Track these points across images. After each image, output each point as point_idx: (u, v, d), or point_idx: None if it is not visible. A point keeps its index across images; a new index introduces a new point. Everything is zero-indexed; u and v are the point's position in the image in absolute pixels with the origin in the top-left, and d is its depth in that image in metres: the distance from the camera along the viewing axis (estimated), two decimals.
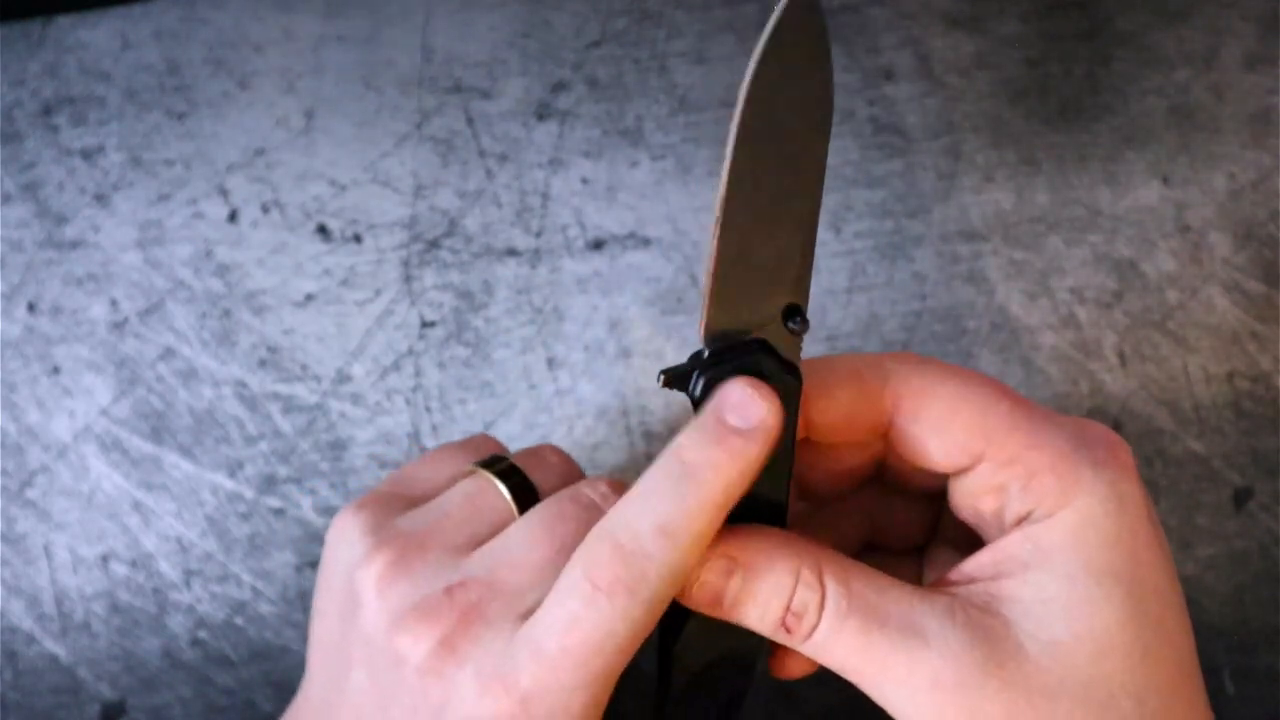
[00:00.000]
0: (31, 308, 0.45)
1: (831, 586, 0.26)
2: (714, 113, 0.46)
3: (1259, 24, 0.47)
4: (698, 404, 0.26)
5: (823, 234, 0.46)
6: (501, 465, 0.31)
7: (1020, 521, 0.26)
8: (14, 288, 0.46)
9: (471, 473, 0.31)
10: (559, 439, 0.45)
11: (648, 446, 0.45)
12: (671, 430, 0.45)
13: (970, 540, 0.30)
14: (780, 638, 0.27)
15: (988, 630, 0.25)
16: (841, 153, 0.46)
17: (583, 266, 0.46)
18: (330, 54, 0.47)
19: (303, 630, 0.45)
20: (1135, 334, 0.45)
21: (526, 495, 0.30)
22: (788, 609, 0.26)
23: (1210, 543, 0.45)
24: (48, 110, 0.47)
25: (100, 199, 0.46)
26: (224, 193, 0.46)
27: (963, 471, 0.27)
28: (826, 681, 0.45)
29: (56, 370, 0.45)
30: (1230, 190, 0.46)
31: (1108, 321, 0.45)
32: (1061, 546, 0.25)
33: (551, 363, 0.45)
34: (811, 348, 0.45)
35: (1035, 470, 0.26)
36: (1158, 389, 0.45)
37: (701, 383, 0.26)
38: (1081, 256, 0.46)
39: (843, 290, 0.45)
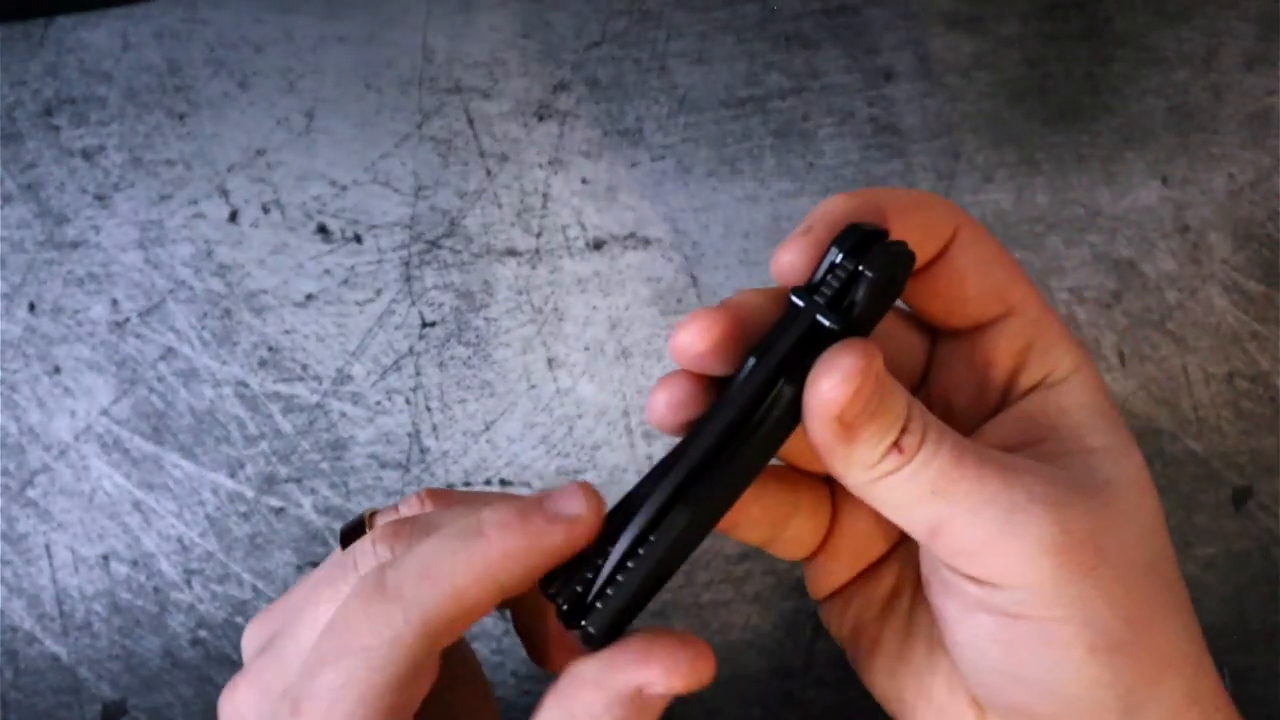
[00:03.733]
0: (32, 308, 0.46)
1: (927, 413, 0.27)
2: (714, 113, 0.46)
3: (1258, 25, 0.47)
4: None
5: None
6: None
7: (1035, 387, 0.29)
8: (15, 288, 0.46)
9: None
10: (559, 439, 0.45)
11: (648, 446, 0.45)
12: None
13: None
14: (888, 461, 0.26)
15: (1060, 465, 0.27)
16: (841, 153, 0.46)
17: (583, 266, 0.46)
18: (330, 54, 0.47)
19: None
20: (1135, 334, 0.45)
21: None
22: (905, 429, 0.26)
23: (1210, 543, 0.45)
24: (49, 110, 0.47)
25: (101, 199, 0.46)
26: (224, 193, 0.46)
27: (985, 324, 0.29)
28: (826, 681, 0.45)
29: (57, 370, 0.45)
30: (1229, 190, 0.46)
31: (1107, 321, 0.45)
32: (1086, 405, 0.28)
33: (551, 363, 0.45)
34: None
35: (1054, 338, 0.29)
36: (1157, 389, 0.45)
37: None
38: (1081, 256, 0.46)
39: None
